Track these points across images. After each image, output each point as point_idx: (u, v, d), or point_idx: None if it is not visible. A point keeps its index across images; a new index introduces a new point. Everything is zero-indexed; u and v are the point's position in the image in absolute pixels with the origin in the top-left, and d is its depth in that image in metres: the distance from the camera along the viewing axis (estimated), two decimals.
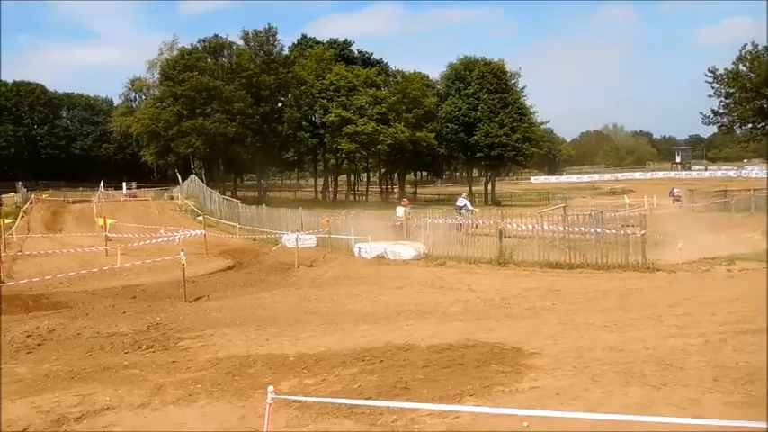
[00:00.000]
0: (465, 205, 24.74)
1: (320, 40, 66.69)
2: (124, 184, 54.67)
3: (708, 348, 7.58)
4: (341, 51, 64.15)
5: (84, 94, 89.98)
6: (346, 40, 66.92)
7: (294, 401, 5.88)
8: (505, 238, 17.64)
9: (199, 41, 55.40)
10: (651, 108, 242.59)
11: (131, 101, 70.22)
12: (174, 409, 6.16)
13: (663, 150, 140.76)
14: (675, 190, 43.06)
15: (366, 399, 6.02)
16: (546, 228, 18.03)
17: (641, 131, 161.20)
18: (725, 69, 40.08)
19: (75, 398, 6.49)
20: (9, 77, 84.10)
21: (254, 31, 56.91)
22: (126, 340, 9.31)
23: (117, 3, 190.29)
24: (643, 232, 15.68)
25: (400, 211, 23.27)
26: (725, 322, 8.91)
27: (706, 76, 40.75)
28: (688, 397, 5.92)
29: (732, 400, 5.82)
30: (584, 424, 4.95)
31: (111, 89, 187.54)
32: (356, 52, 66.68)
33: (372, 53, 67.76)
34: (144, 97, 66.78)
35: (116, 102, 77.86)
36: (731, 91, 40.01)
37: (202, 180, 44.98)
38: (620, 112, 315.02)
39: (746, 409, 5.51)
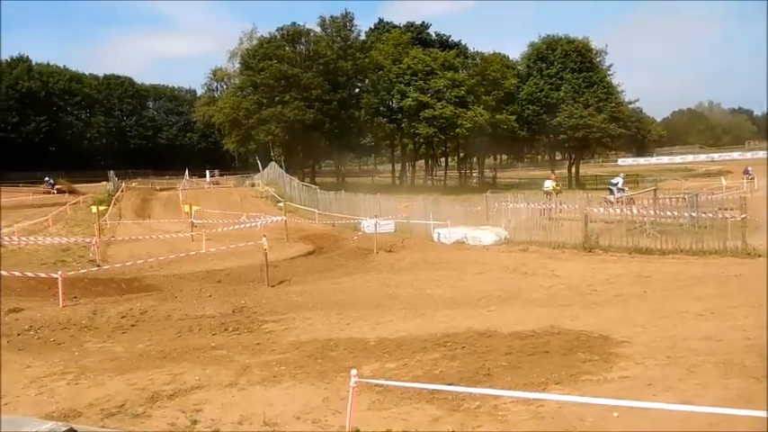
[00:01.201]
0: (618, 183, 25.82)
1: (397, 23, 66.47)
2: (207, 171, 56.64)
3: None
4: (418, 34, 63.62)
5: (169, 86, 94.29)
6: (423, 22, 66.38)
7: (376, 385, 5.89)
8: (591, 222, 17.02)
9: (277, 30, 56.42)
10: (751, 82, 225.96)
11: (213, 90, 72.63)
12: (260, 390, 6.31)
13: (765, 128, 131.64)
14: (749, 168, 42.22)
15: (448, 384, 5.95)
16: (635, 212, 17.28)
17: (740, 108, 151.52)
18: None
19: (167, 376, 6.76)
20: (98, 71, 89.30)
21: (332, 17, 57.42)
22: (213, 322, 9.64)
23: None
24: (743, 216, 14.72)
25: (548, 183, 25.81)
26: None
27: None
28: None
29: None
30: (678, 416, 4.69)
31: (193, 79, 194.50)
32: (433, 35, 65.98)
33: (450, 35, 66.87)
34: (225, 87, 68.87)
35: (199, 92, 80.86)
36: None
37: (282, 167, 45.92)
38: (715, 89, 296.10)
39: None
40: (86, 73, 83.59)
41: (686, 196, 18.77)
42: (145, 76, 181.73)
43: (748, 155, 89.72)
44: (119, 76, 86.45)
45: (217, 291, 12.61)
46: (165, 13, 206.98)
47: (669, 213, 16.85)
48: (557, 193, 24.01)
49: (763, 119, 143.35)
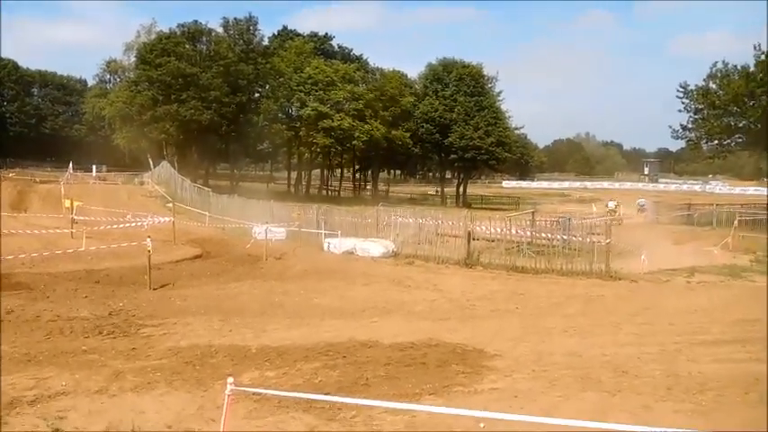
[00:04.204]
0: (644, 204, 35.01)
1: (301, 32, 66.26)
2: (94, 166, 53.65)
3: (663, 357, 7.78)
4: (321, 45, 63.79)
5: (58, 73, 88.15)
6: (326, 34, 66.72)
7: (254, 394, 5.88)
8: (474, 240, 17.78)
9: (178, 26, 54.64)
10: (623, 119, 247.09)
11: (106, 82, 69.09)
12: (132, 397, 6.12)
13: (632, 161, 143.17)
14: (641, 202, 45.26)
15: (326, 394, 6.04)
16: (514, 232, 18.25)
17: (612, 142, 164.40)
18: (695, 85, 40.79)
19: (31, 381, 6.40)
20: None
21: (235, 19, 56.49)
22: (86, 325, 9.19)
23: None
24: (608, 241, 15.97)
25: (612, 203, 32.26)
26: (681, 333, 9.14)
27: (677, 91, 41.34)
28: (641, 404, 6.08)
29: (683, 408, 5.99)
30: (539, 427, 5.06)
31: (85, 69, 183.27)
32: (336, 47, 66.44)
33: (352, 49, 67.63)
34: (119, 80, 65.73)
35: (90, 83, 76.45)
36: (700, 107, 40.66)
37: (174, 167, 44.35)
38: (592, 122, 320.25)
39: (696, 418, 5.68)
40: None
41: (560, 220, 20.10)
42: (31, 61, 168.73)
43: (617, 185, 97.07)
44: (1, 59, 79.92)
45: (94, 292, 12.02)
46: None
47: (544, 235, 17.97)
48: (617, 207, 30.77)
49: (630, 153, 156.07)
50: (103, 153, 68.37)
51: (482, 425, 5.31)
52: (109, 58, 67.26)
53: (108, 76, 68.76)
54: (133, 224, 22.07)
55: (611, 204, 33.95)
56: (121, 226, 21.33)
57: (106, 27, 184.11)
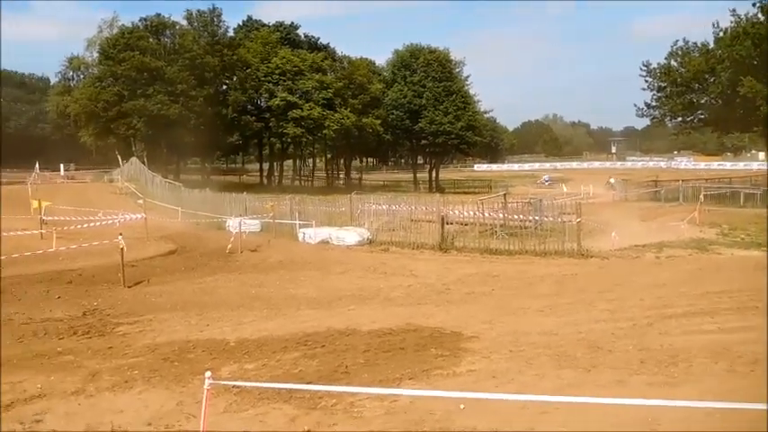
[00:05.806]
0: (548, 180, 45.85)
1: (266, 22, 65.58)
2: (62, 165, 52.71)
3: (635, 332, 7.95)
4: (287, 35, 63.16)
5: (19, 72, 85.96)
6: (293, 23, 65.99)
7: (234, 387, 5.88)
8: (447, 224, 17.91)
9: (140, 20, 53.70)
10: (590, 99, 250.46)
11: (69, 80, 67.63)
12: (110, 396, 6.07)
13: (599, 141, 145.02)
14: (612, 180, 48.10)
15: (306, 383, 6.06)
16: (487, 215, 18.41)
17: (579, 122, 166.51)
18: (657, 64, 41.43)
19: (5, 386, 6.30)
20: None
21: (199, 11, 55.68)
22: (60, 326, 9.07)
23: None
24: (579, 220, 16.22)
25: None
26: (652, 307, 9.35)
27: (640, 69, 41.94)
28: (615, 379, 6.21)
29: (655, 381, 6.13)
30: (516, 405, 5.18)
31: (46, 67, 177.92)
32: (303, 36, 65.80)
33: (319, 37, 67.06)
34: (82, 76, 64.43)
35: (53, 80, 74.79)
36: (663, 85, 41.28)
37: (144, 163, 43.78)
38: (560, 103, 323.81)
39: (668, 390, 5.82)
40: None
41: (532, 201, 20.34)
42: None
43: (585, 164, 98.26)
44: None
45: (67, 292, 11.81)
46: None
47: (516, 217, 18.18)
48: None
49: (597, 132, 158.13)
50: (70, 151, 67.21)
51: (462, 406, 5.38)
52: (71, 55, 65.92)
53: (71, 73, 67.37)
54: (104, 222, 21.72)
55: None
56: (92, 225, 20.98)
57: (66, 23, 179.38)
